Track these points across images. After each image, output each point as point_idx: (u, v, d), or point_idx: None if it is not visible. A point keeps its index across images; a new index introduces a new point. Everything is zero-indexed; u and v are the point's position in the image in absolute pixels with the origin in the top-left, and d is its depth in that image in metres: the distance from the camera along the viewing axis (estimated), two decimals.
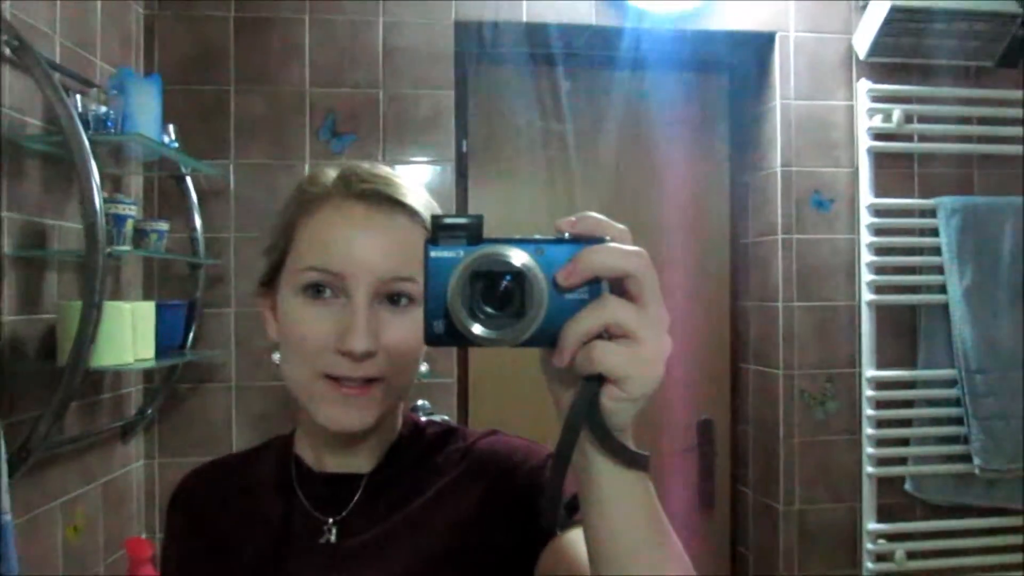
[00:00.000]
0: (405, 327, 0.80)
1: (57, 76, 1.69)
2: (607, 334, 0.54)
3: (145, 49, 2.28)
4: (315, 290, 0.80)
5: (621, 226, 0.57)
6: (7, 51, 1.62)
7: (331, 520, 0.86)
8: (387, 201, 0.83)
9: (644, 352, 0.54)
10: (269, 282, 0.87)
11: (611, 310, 0.54)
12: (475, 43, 2.51)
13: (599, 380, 0.55)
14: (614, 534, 0.60)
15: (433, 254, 0.56)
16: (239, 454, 0.99)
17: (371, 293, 0.79)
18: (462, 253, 0.55)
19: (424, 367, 0.90)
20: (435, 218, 0.56)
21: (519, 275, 0.55)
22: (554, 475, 0.58)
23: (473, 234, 0.56)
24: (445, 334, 0.56)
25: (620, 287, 0.55)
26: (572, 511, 0.75)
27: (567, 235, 0.57)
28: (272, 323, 0.88)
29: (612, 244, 0.56)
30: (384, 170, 0.86)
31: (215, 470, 0.97)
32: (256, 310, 0.91)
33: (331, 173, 0.86)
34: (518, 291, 0.55)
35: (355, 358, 0.78)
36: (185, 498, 0.96)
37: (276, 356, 0.88)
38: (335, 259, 0.79)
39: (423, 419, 0.97)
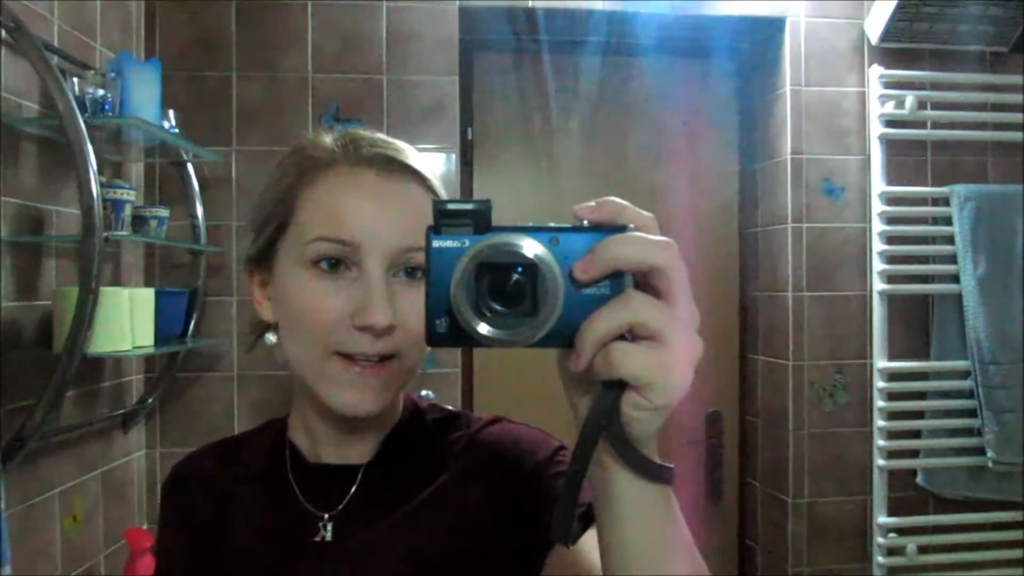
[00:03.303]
0: (421, 301, 0.75)
1: (55, 60, 1.67)
2: (630, 335, 0.49)
3: (146, 34, 2.26)
4: (326, 262, 0.75)
5: (647, 213, 0.52)
6: (3, 33, 1.59)
7: (326, 516, 0.82)
8: (399, 168, 0.78)
9: (671, 356, 0.48)
10: (261, 258, 0.82)
11: (635, 308, 0.48)
12: (480, 29, 2.48)
13: (620, 386, 0.49)
14: (631, 548, 0.55)
15: (436, 243, 0.50)
16: (232, 440, 0.95)
17: (386, 264, 0.75)
18: (467, 243, 0.50)
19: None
20: (438, 203, 0.50)
21: (531, 267, 0.48)
22: (569, 488, 0.53)
23: (480, 221, 0.50)
24: (449, 334, 0.50)
25: (645, 282, 0.50)
26: (587, 522, 0.70)
27: (585, 222, 0.51)
28: (265, 303, 0.83)
29: (636, 233, 0.50)
30: (387, 137, 0.82)
31: (207, 458, 0.93)
32: None
33: (328, 138, 0.81)
34: (530, 286, 0.49)
35: (375, 333, 0.73)
36: (177, 487, 0.92)
37: (271, 337, 0.84)
38: (347, 228, 0.74)
39: (424, 403, 0.92)
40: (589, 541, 0.68)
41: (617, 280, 0.50)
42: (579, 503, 0.55)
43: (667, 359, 0.48)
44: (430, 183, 0.80)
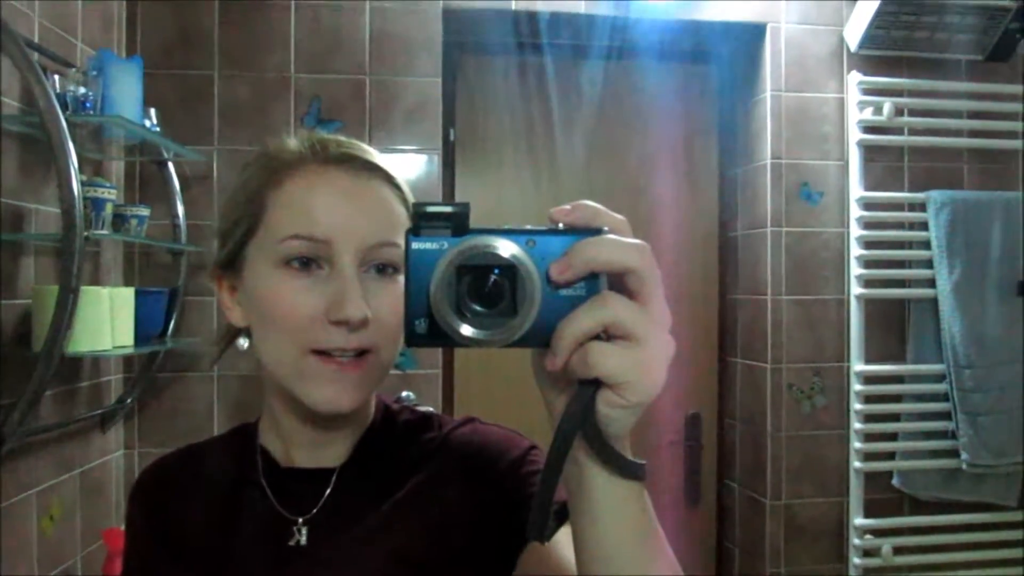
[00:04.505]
0: (394, 295, 0.75)
1: (36, 56, 1.66)
2: (605, 335, 0.50)
3: (128, 32, 2.24)
4: (298, 260, 0.76)
5: (620, 216, 0.53)
6: None
7: (300, 520, 0.82)
8: (366, 166, 0.80)
9: (645, 355, 0.50)
10: (231, 263, 0.82)
11: (610, 309, 0.50)
12: (464, 31, 2.48)
13: (595, 385, 0.51)
14: (606, 545, 0.57)
15: (415, 245, 0.51)
16: (202, 444, 0.94)
17: (358, 260, 0.76)
18: (446, 245, 0.51)
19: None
20: (417, 206, 0.51)
21: (509, 269, 0.50)
22: (545, 486, 0.54)
23: (458, 224, 0.51)
24: (428, 334, 0.51)
25: (619, 283, 0.51)
26: (561, 520, 0.71)
27: (561, 225, 0.53)
28: (235, 307, 0.83)
29: (611, 236, 0.51)
30: (352, 139, 0.83)
31: (175, 464, 0.92)
32: None
33: (294, 141, 0.82)
34: (508, 287, 0.50)
35: (351, 327, 0.74)
36: (145, 493, 0.90)
37: (243, 342, 0.84)
38: (319, 225, 0.75)
39: (396, 404, 0.92)
40: (563, 538, 0.69)
41: (592, 282, 0.51)
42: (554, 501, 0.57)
43: (642, 358, 0.50)
44: (396, 182, 0.81)
